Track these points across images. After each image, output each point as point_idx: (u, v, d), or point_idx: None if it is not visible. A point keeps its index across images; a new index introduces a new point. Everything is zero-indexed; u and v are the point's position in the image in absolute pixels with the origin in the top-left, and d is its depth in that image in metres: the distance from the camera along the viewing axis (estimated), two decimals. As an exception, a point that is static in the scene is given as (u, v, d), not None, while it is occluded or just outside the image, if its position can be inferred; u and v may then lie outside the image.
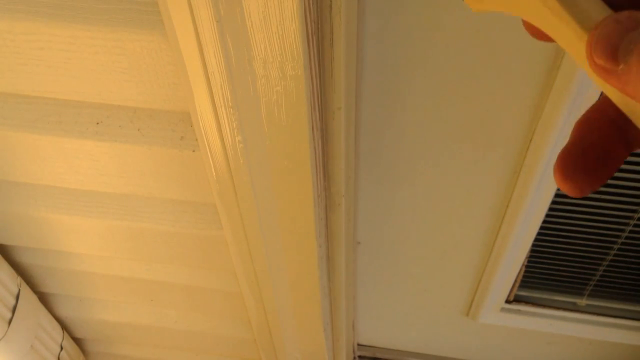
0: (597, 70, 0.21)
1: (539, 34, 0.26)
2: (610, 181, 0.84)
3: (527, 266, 1.07)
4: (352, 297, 1.18)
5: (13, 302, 0.88)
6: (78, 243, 0.81)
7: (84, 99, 0.59)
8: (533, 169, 0.79)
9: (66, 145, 0.63)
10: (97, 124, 0.61)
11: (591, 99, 0.68)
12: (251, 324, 0.95)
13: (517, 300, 1.15)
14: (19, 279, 0.91)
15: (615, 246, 0.98)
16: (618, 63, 0.20)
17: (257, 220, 0.66)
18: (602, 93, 0.25)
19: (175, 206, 0.71)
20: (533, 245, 0.98)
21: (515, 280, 1.08)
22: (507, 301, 1.14)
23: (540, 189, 0.83)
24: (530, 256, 1.04)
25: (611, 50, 0.21)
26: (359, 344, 1.44)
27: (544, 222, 0.91)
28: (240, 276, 0.80)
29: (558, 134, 0.73)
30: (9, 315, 0.86)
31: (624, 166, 0.81)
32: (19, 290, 0.90)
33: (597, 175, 0.25)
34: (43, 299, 1.01)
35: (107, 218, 0.73)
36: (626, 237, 0.95)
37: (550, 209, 0.89)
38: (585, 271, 1.06)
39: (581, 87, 0.67)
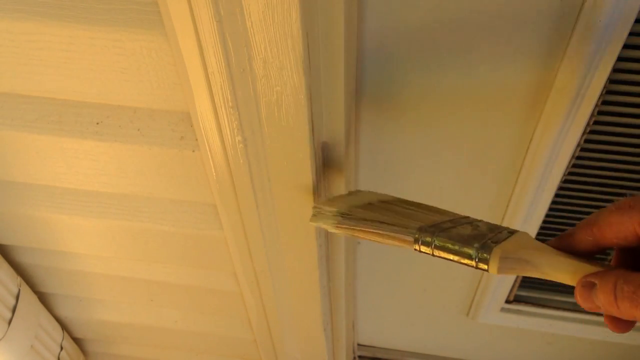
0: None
1: (618, 327, 0.38)
2: (609, 181, 0.84)
3: (527, 266, 1.07)
4: (352, 297, 1.18)
5: (13, 302, 0.88)
6: (78, 243, 0.81)
7: (84, 99, 0.59)
8: (533, 169, 0.79)
9: (66, 145, 0.63)
10: (97, 124, 0.61)
11: (591, 99, 0.68)
12: (251, 324, 0.95)
13: (517, 300, 1.15)
14: (19, 279, 0.91)
15: (615, 246, 0.98)
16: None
17: (257, 220, 0.66)
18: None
19: (175, 206, 0.71)
20: (533, 245, 0.98)
21: (515, 280, 1.07)
22: (507, 301, 1.14)
23: (540, 189, 0.83)
24: (530, 256, 1.03)
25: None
26: (359, 344, 1.44)
27: (544, 221, 0.91)
28: (240, 276, 0.80)
29: (558, 134, 0.73)
30: (9, 315, 0.86)
31: (623, 166, 0.81)
32: (19, 290, 0.90)
33: None
34: (43, 299, 1.01)
35: (107, 218, 0.73)
36: (626, 237, 0.95)
37: (550, 209, 0.89)
38: (585, 271, 1.06)
39: (581, 87, 0.67)
